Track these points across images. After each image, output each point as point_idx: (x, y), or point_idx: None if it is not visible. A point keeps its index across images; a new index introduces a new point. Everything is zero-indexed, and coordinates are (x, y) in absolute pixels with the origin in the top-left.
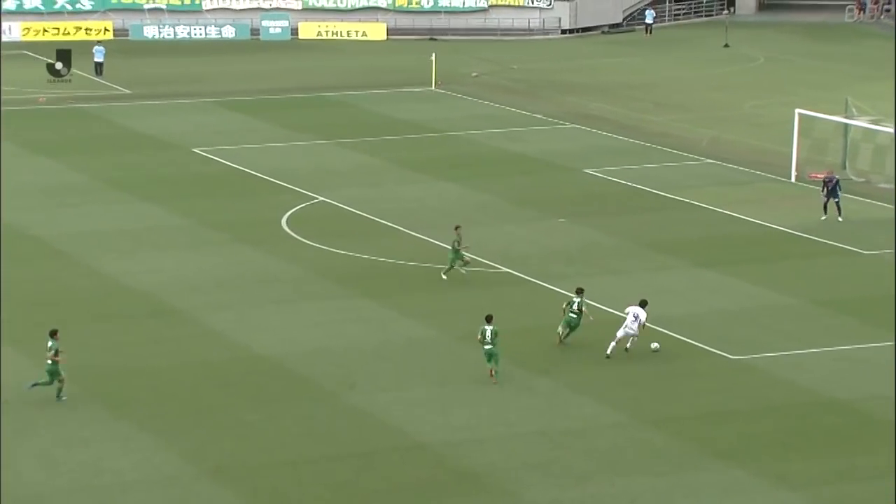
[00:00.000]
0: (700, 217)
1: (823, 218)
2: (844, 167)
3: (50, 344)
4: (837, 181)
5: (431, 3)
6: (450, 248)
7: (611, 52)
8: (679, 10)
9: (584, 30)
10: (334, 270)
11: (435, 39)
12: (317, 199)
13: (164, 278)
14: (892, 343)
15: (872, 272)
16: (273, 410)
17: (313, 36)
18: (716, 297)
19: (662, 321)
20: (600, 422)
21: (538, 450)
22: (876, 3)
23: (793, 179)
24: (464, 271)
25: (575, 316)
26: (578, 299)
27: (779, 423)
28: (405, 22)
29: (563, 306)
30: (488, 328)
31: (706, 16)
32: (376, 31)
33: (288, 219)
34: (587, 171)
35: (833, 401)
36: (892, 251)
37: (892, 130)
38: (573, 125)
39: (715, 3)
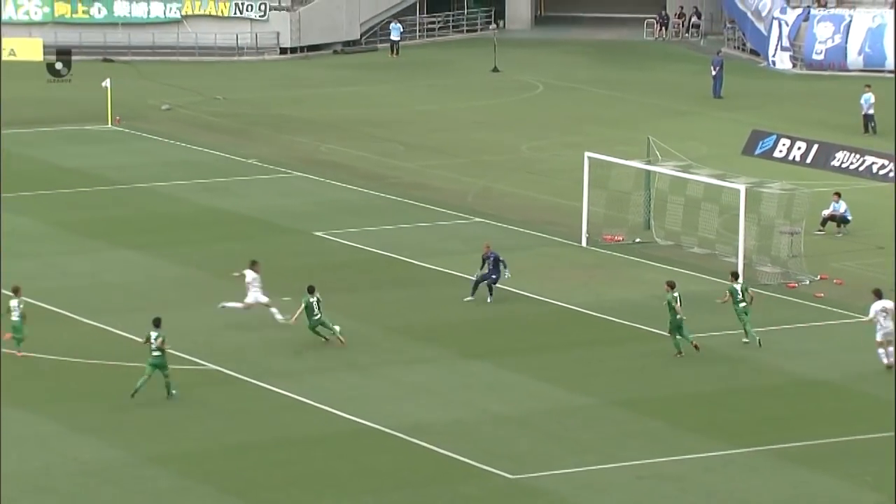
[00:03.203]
0: (467, 293)
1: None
2: (649, 226)
3: (155, 334)
4: (496, 257)
5: (104, 13)
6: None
7: (347, 78)
8: (433, 23)
9: (311, 48)
10: None
11: (111, 60)
12: None
13: None
14: (710, 454)
15: (685, 360)
16: None
17: None
18: (489, 397)
19: (417, 431)
20: None
21: None
22: (680, 17)
23: (584, 243)
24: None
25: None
26: (671, 294)
27: None
28: (69, 37)
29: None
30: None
31: (468, 31)
32: (30, 49)
33: None
34: (319, 233)
35: None
36: (709, 334)
37: (704, 179)
38: (299, 174)
39: (479, 14)
